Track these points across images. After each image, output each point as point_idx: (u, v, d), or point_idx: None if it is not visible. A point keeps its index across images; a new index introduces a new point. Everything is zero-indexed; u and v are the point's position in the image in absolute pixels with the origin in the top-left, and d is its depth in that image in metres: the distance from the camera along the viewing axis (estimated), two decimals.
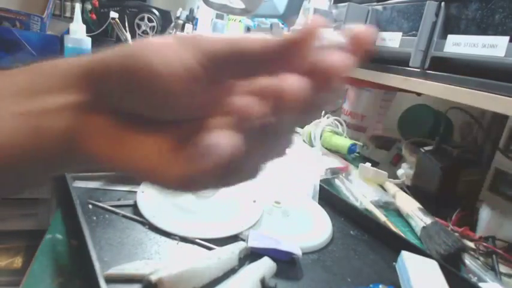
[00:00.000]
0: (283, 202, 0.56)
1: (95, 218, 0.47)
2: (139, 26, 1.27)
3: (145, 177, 0.20)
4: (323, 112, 1.14)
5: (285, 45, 0.18)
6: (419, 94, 0.91)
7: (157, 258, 0.41)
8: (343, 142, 0.92)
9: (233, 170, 0.19)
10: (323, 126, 0.96)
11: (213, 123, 0.20)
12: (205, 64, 0.18)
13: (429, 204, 0.64)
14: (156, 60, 0.18)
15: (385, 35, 0.76)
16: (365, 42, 0.19)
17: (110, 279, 0.35)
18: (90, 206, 0.49)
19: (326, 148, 0.95)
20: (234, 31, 1.85)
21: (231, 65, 0.19)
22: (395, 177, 0.80)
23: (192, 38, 0.19)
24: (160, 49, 0.18)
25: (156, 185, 0.20)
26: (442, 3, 0.64)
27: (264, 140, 0.19)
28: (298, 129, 1.08)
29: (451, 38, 0.61)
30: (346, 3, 0.81)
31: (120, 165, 0.20)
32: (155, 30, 1.29)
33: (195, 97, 0.19)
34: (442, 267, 0.43)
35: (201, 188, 0.21)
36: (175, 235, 0.45)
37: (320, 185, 0.66)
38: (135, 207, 0.50)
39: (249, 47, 0.18)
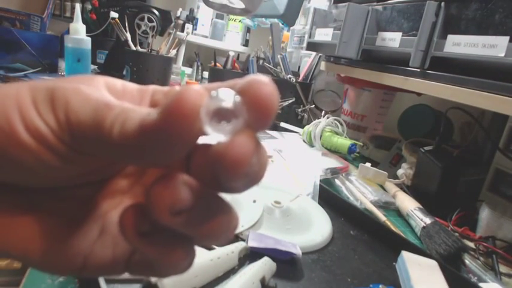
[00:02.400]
0: (283, 202, 0.56)
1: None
2: (139, 26, 1.27)
3: (26, 262, 0.16)
4: (323, 113, 1.14)
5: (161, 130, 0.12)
6: (419, 94, 0.91)
7: None
8: (343, 142, 0.92)
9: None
10: (323, 126, 0.96)
11: (104, 193, 0.18)
12: (64, 136, 0.14)
13: (429, 204, 0.64)
14: None
15: (385, 35, 0.76)
16: (268, 104, 0.13)
17: (110, 279, 0.35)
18: None
19: (326, 148, 0.95)
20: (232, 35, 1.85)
21: (96, 145, 0.14)
22: (395, 177, 0.80)
23: (61, 90, 0.14)
24: (2, 101, 0.14)
25: (43, 270, 0.17)
26: (442, 3, 0.64)
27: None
28: (298, 129, 1.08)
29: (451, 38, 0.61)
30: (346, 3, 0.81)
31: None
32: (155, 30, 1.29)
33: (58, 168, 0.15)
34: (442, 267, 0.43)
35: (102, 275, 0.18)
36: None
37: (320, 185, 0.66)
38: None
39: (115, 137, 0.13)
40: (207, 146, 0.14)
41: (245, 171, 0.12)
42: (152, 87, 0.18)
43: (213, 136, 0.12)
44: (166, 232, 0.15)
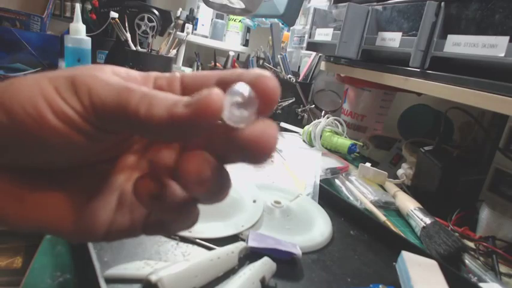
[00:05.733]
0: (283, 202, 0.56)
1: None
2: (139, 26, 1.27)
3: (61, 235, 0.19)
4: (323, 113, 1.14)
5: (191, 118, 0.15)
6: (419, 94, 0.91)
7: (157, 258, 0.41)
8: (343, 142, 0.92)
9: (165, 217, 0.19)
10: (323, 126, 0.96)
11: (120, 166, 0.20)
12: (90, 117, 0.16)
13: (429, 204, 0.64)
14: (18, 108, 0.15)
15: (385, 35, 0.76)
16: (275, 95, 0.16)
17: (110, 279, 0.35)
18: None
19: (326, 148, 0.95)
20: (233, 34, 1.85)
21: (122, 123, 0.16)
22: (395, 177, 0.80)
23: (81, 78, 0.16)
24: (27, 92, 0.16)
25: (75, 240, 0.19)
26: (442, 3, 0.64)
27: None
28: (298, 129, 1.08)
29: (451, 38, 0.61)
30: (346, 3, 0.81)
31: (25, 225, 0.18)
32: (155, 30, 1.29)
33: (84, 147, 0.17)
34: (442, 267, 0.43)
35: (125, 237, 0.21)
36: (175, 235, 0.45)
37: (320, 185, 0.66)
38: None
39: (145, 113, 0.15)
40: (226, 128, 0.16)
41: (271, 152, 0.15)
42: (154, 74, 0.20)
43: (230, 122, 0.15)
44: (173, 196, 0.17)
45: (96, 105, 0.16)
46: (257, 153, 0.15)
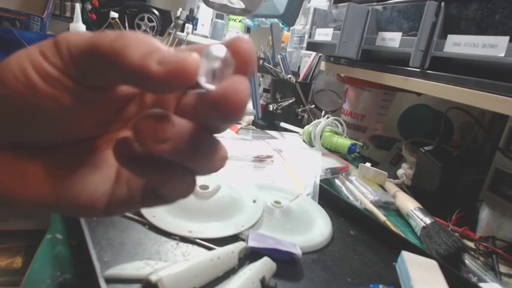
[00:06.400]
0: (283, 202, 0.56)
1: (95, 217, 0.47)
2: (139, 26, 1.27)
3: (62, 210, 0.20)
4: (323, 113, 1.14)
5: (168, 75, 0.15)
6: (419, 94, 0.91)
7: (157, 258, 0.41)
8: (343, 142, 0.92)
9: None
10: (323, 126, 0.96)
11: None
12: (70, 71, 0.16)
13: (429, 204, 0.64)
14: (9, 75, 0.16)
15: (385, 35, 0.76)
16: (251, 56, 0.16)
17: (109, 279, 0.35)
18: None
19: (326, 148, 0.95)
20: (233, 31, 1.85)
21: (100, 69, 0.16)
22: (395, 177, 0.80)
23: (62, 36, 0.17)
24: (17, 60, 0.16)
25: (79, 215, 0.20)
26: (442, 3, 0.64)
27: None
28: (298, 129, 1.08)
29: (451, 38, 0.61)
30: (346, 3, 0.81)
31: (28, 202, 0.18)
32: (155, 30, 1.29)
33: (75, 110, 0.17)
34: (442, 267, 0.43)
35: (124, 212, 0.21)
36: (175, 235, 0.45)
37: (320, 185, 0.66)
38: None
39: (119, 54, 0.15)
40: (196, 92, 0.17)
41: (241, 105, 0.15)
42: None
43: (209, 86, 0.15)
44: (156, 159, 0.17)
45: (73, 54, 0.16)
46: (226, 108, 0.15)
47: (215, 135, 0.18)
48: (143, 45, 0.15)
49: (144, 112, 0.16)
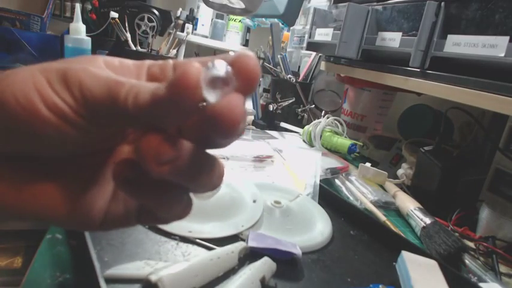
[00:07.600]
0: (283, 202, 0.56)
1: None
2: (139, 26, 1.27)
3: (57, 223, 0.20)
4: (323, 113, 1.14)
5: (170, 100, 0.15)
6: (419, 94, 0.91)
7: (157, 258, 0.41)
8: (343, 142, 0.92)
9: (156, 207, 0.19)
10: (323, 126, 0.96)
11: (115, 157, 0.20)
12: (81, 111, 0.16)
13: (429, 204, 0.64)
14: (10, 98, 0.16)
15: (385, 35, 0.76)
16: (255, 75, 0.16)
17: (109, 279, 0.35)
18: None
19: (326, 148, 0.95)
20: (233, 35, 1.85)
21: (112, 116, 0.16)
22: (395, 177, 0.80)
23: (72, 71, 0.16)
24: (20, 83, 0.16)
25: (73, 227, 0.20)
26: (442, 3, 0.64)
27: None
28: (298, 129, 1.08)
29: (451, 38, 0.61)
30: (346, 3, 0.81)
31: (23, 213, 0.19)
32: (155, 30, 1.29)
33: (76, 138, 0.17)
34: (442, 267, 0.43)
35: (119, 227, 0.21)
36: (175, 235, 0.45)
37: (320, 185, 0.66)
38: None
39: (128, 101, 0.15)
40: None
41: (240, 125, 0.15)
42: (147, 62, 0.21)
43: (210, 101, 0.15)
44: (154, 182, 0.17)
45: (87, 99, 0.16)
46: (221, 124, 0.15)
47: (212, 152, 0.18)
48: (154, 85, 0.15)
49: (146, 131, 0.16)
